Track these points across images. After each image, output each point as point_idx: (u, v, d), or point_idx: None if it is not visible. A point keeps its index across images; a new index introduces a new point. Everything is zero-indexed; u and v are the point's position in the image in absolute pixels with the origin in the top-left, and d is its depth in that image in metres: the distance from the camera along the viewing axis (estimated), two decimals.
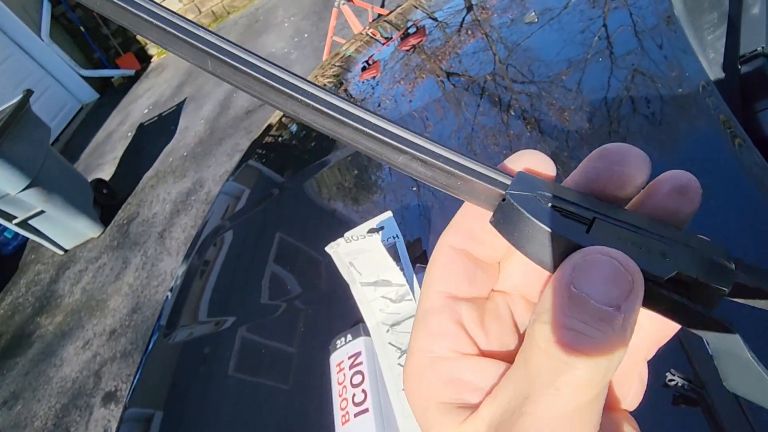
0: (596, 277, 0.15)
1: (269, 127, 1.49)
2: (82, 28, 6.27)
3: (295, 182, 1.11)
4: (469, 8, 1.20)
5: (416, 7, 1.43)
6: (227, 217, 1.20)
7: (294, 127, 1.43)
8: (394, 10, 1.61)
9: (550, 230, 0.17)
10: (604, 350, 0.15)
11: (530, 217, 0.17)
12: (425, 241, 0.67)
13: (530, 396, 0.16)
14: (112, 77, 6.54)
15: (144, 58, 6.66)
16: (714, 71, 0.67)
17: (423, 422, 0.19)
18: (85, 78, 6.30)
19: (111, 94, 6.44)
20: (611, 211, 0.18)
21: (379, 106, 1.13)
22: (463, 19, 1.18)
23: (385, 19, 1.56)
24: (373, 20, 3.80)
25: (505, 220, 0.18)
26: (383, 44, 1.39)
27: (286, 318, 0.77)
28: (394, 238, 0.65)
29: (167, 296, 1.09)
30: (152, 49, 6.60)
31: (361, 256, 0.55)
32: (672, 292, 0.16)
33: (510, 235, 0.18)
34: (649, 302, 0.16)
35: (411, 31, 1.29)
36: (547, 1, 0.98)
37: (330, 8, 3.54)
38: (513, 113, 0.80)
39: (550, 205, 0.17)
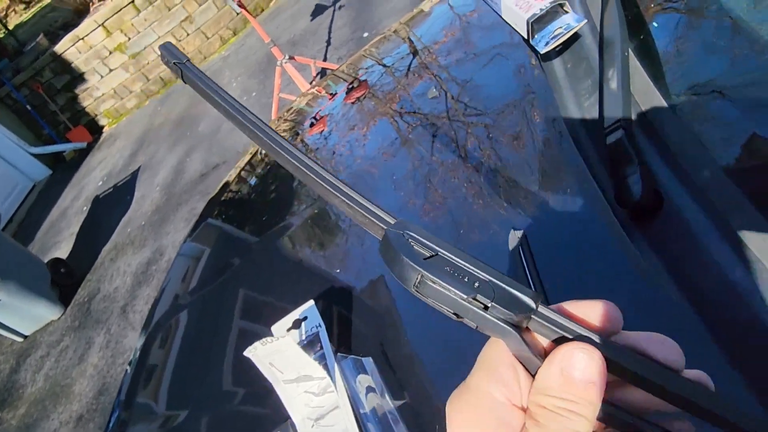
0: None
1: (227, 184, 1.51)
2: (28, 106, 6.22)
3: (254, 252, 1.12)
4: (415, 53, 1.27)
5: (366, 57, 1.49)
6: (188, 280, 1.20)
7: (253, 180, 1.45)
8: (345, 63, 1.67)
9: (402, 255, 0.26)
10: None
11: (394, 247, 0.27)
12: (349, 328, 0.70)
13: None
14: (64, 152, 6.46)
15: (95, 130, 6.62)
16: (589, 137, 0.73)
17: None
18: (36, 155, 6.21)
19: (64, 169, 6.35)
20: (450, 252, 0.27)
21: (334, 153, 1.17)
22: (410, 63, 1.25)
23: (335, 72, 1.62)
24: (317, 75, 3.92)
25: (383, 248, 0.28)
26: (329, 99, 1.45)
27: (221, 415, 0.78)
28: (316, 327, 0.68)
29: (126, 370, 1.08)
30: (103, 120, 6.57)
31: (279, 355, 0.57)
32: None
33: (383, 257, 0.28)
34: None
35: (354, 85, 1.35)
36: (483, 44, 1.06)
37: (274, 66, 3.63)
38: (470, 146, 0.84)
39: (409, 240, 0.27)
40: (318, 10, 5.12)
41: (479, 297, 0.24)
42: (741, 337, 0.49)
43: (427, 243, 0.27)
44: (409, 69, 1.21)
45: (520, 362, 0.25)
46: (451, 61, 1.09)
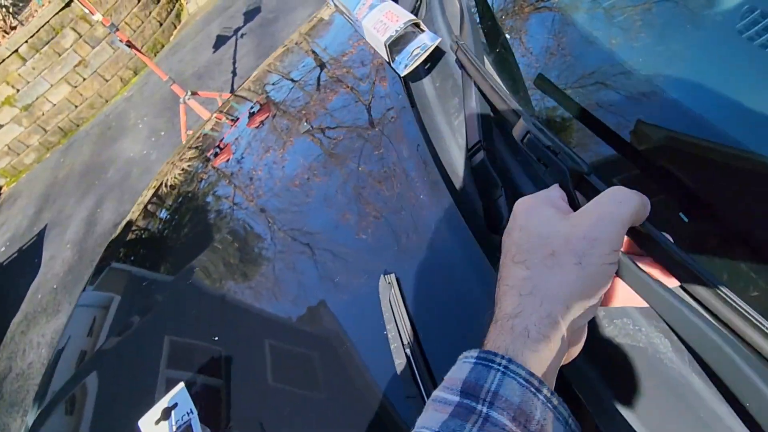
0: None
1: (130, 223, 1.35)
2: None
3: (167, 297, 0.98)
4: (323, 65, 1.21)
5: (270, 71, 1.41)
6: (95, 334, 1.04)
7: (163, 213, 1.31)
8: (249, 78, 1.56)
9: None
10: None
11: None
12: (223, 411, 0.62)
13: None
14: None
15: None
16: (460, 155, 0.70)
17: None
18: None
19: None
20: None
21: (251, 179, 1.07)
22: (319, 75, 1.17)
23: (237, 93, 1.52)
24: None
25: None
26: (231, 126, 1.35)
27: None
28: (188, 414, 0.59)
29: None
30: (0, 179, 6.03)
31: None
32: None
33: None
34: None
35: (255, 109, 1.26)
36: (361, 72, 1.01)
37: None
38: (397, 156, 0.78)
39: None
40: (220, 41, 4.98)
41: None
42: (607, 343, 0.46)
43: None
44: (319, 82, 1.15)
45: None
46: (365, 72, 1.03)
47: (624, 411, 0.41)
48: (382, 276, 0.58)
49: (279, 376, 0.64)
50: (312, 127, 1.00)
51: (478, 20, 0.82)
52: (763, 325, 0.30)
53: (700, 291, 0.34)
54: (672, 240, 0.36)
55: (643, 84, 0.58)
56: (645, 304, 0.36)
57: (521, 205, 0.40)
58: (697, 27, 0.60)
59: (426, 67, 0.87)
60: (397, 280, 0.58)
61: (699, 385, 0.40)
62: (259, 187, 1.02)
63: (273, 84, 1.33)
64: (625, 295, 0.37)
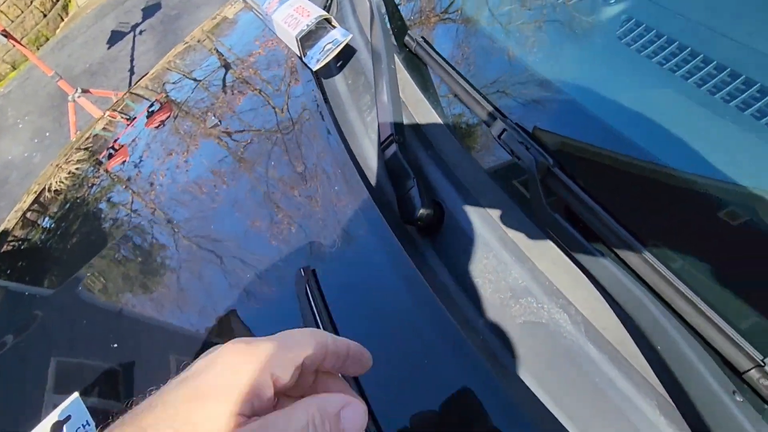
0: None
1: (5, 233, 1.19)
2: None
3: (51, 311, 0.87)
4: (228, 66, 1.14)
5: (170, 69, 1.32)
6: None
7: (47, 221, 1.16)
8: (146, 76, 1.44)
9: None
10: None
11: None
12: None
13: None
14: None
15: None
16: (373, 150, 0.71)
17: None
18: None
19: None
20: None
21: (152, 185, 0.99)
22: (225, 76, 1.11)
23: (134, 91, 1.40)
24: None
25: None
26: (127, 125, 1.24)
27: None
28: (84, 426, 0.54)
29: None
30: None
31: None
32: None
33: None
34: None
35: (155, 108, 1.17)
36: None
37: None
38: (311, 153, 0.75)
39: None
40: (116, 37, 4.63)
41: None
42: (520, 336, 0.49)
43: None
44: (225, 82, 1.09)
45: None
46: (274, 73, 1.00)
47: (527, 378, 0.44)
48: (298, 270, 0.58)
49: None
50: (220, 128, 0.96)
51: (387, 21, 0.84)
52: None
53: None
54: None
55: (539, 90, 0.62)
56: None
57: (213, 376, 0.25)
58: (584, 36, 0.66)
59: (338, 64, 0.87)
60: (313, 272, 0.57)
61: (594, 353, 0.44)
62: (161, 192, 0.96)
63: (174, 83, 1.26)
64: None
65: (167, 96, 1.20)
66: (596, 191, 0.49)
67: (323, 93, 0.78)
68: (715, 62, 0.48)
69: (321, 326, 0.51)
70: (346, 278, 0.57)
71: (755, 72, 0.48)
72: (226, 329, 0.65)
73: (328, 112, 0.78)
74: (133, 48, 4.40)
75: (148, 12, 4.69)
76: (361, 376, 0.40)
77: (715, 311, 0.38)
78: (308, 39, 0.76)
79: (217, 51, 1.26)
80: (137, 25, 4.60)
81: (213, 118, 0.86)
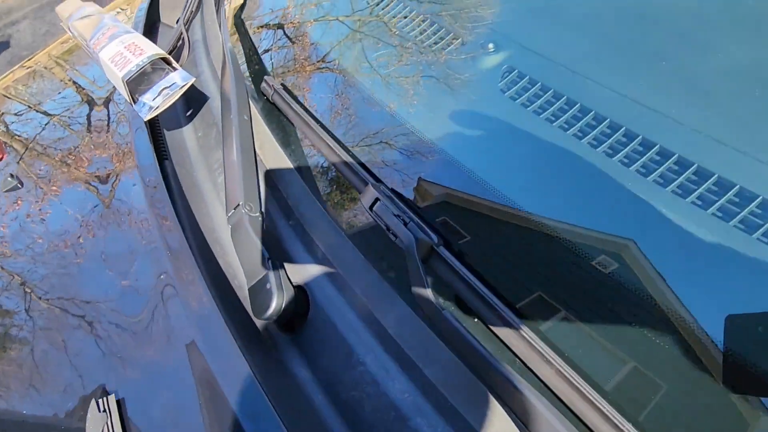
0: None
1: None
2: None
3: None
4: (90, 101, 0.92)
5: (9, 97, 1.05)
6: None
7: None
8: None
9: None
10: None
11: None
12: None
13: None
14: None
15: None
16: (224, 218, 0.56)
17: None
18: None
19: None
20: None
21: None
22: (90, 113, 0.90)
23: None
24: None
25: None
26: None
27: None
28: None
29: None
30: None
31: None
32: None
33: None
34: None
35: None
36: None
37: None
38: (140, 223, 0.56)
39: None
40: None
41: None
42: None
43: None
44: (89, 120, 0.87)
45: None
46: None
47: None
48: (92, 402, 0.40)
49: None
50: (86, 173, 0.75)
51: (246, 66, 0.72)
52: None
53: None
54: None
55: (422, 144, 0.54)
56: None
57: None
58: (466, 88, 0.59)
59: (188, 114, 0.73)
60: (118, 402, 0.40)
61: None
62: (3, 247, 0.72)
63: (16, 114, 1.01)
64: None
65: (6, 130, 0.95)
66: (487, 271, 0.40)
67: (162, 148, 0.63)
68: (593, 112, 0.42)
69: None
70: (159, 412, 0.41)
71: (635, 124, 0.43)
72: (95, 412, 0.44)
73: (170, 172, 0.62)
74: None
75: None
76: None
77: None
78: (140, 82, 0.61)
79: (73, 82, 1.04)
80: None
81: (10, 179, 0.66)
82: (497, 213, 0.45)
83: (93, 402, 0.40)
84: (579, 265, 0.39)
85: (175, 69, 0.62)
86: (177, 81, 0.60)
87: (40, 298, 0.64)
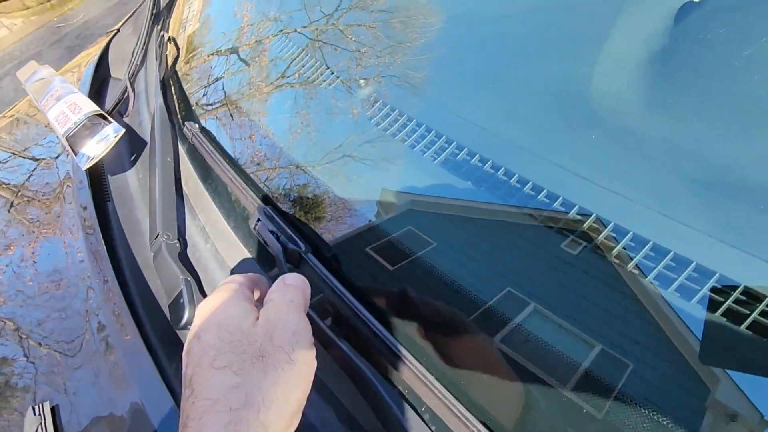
0: None
1: None
2: None
3: None
4: None
5: None
6: None
7: None
8: None
9: None
10: None
11: None
12: None
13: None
14: None
15: None
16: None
17: None
18: None
19: None
20: None
21: None
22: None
23: None
24: None
25: None
26: None
27: None
28: None
29: None
30: None
31: None
32: None
33: None
34: None
35: None
36: None
37: None
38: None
39: None
40: None
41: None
42: None
43: None
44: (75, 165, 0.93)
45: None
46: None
47: None
48: (29, 408, 0.48)
49: None
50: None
51: (177, 112, 0.81)
52: None
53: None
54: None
55: (301, 177, 0.61)
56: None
57: (210, 303, 0.35)
58: (342, 119, 0.65)
59: (131, 158, 0.82)
60: (52, 410, 0.48)
61: None
62: (29, 278, 0.79)
63: (1, 162, 1.08)
64: None
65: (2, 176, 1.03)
66: (356, 275, 0.48)
67: (99, 193, 0.72)
68: (444, 136, 0.51)
69: None
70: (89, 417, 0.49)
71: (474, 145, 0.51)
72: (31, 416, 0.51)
73: (110, 211, 0.71)
74: None
75: None
76: None
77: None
78: (80, 137, 0.70)
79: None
80: None
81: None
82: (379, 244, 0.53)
83: (30, 408, 0.48)
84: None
85: (109, 122, 0.71)
86: (110, 133, 0.69)
87: (37, 342, 0.71)
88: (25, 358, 0.60)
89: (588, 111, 0.44)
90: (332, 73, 0.65)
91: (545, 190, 0.42)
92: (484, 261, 0.46)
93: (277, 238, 0.47)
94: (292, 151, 0.62)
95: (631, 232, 0.38)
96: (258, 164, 0.63)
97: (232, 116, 0.73)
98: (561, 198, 0.40)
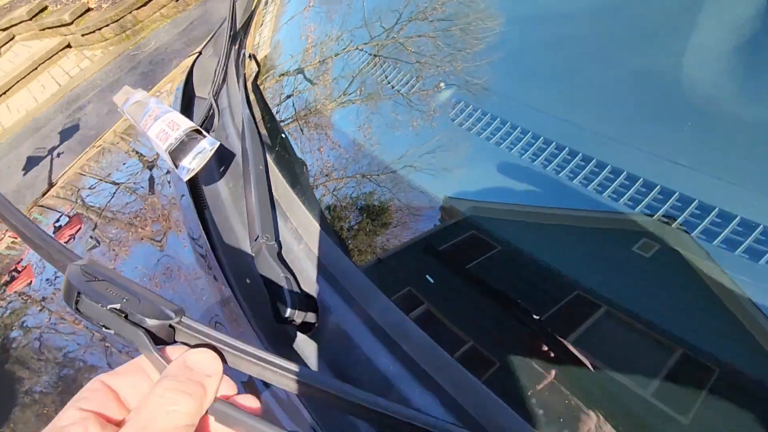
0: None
1: None
2: None
3: None
4: (151, 167, 1.09)
5: (84, 174, 1.24)
6: None
7: None
8: (56, 184, 1.35)
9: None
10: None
11: None
12: None
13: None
14: None
15: None
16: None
17: None
18: None
19: None
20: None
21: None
22: (151, 177, 1.06)
23: (41, 203, 1.31)
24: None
25: None
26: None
27: None
28: None
29: None
30: None
31: None
32: None
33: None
34: None
35: (62, 222, 1.10)
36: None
37: None
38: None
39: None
40: (32, 162, 4.52)
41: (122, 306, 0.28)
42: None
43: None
44: (152, 184, 1.04)
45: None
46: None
47: None
48: None
49: None
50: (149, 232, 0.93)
51: (262, 125, 0.87)
52: None
53: None
54: None
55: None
56: None
57: None
58: (425, 119, 0.69)
59: (221, 170, 0.88)
60: None
61: None
62: None
63: (90, 188, 1.20)
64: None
65: (83, 204, 1.14)
66: None
67: (200, 199, 0.78)
68: (531, 132, 0.53)
69: None
70: None
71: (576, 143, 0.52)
72: None
73: (209, 219, 0.77)
74: (50, 171, 4.31)
75: (66, 134, 4.66)
76: None
77: None
78: (180, 151, 0.77)
79: (137, 152, 1.23)
80: (54, 148, 4.54)
81: (90, 239, 0.83)
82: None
83: None
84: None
85: (204, 137, 0.78)
86: (206, 146, 0.76)
87: None
88: None
89: (681, 100, 0.45)
90: (410, 79, 0.67)
91: (641, 179, 0.42)
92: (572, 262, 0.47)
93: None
94: (375, 158, 0.65)
95: (738, 217, 0.38)
96: (342, 170, 0.67)
97: (302, 130, 0.77)
98: (659, 186, 0.41)
